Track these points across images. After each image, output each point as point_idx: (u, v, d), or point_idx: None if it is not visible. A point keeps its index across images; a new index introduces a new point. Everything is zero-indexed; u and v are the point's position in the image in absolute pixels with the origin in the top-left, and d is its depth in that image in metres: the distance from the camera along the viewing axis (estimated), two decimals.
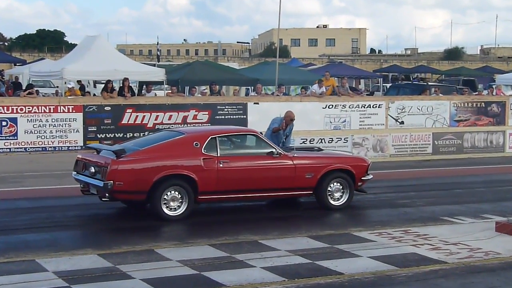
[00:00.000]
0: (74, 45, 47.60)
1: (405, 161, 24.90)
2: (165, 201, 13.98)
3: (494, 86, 39.41)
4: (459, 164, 24.66)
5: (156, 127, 23.88)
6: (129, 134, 23.56)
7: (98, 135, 23.38)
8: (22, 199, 16.37)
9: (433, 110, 28.04)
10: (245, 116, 24.97)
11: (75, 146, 22.99)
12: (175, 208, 14.08)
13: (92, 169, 14.19)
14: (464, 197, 17.71)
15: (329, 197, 15.65)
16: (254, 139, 15.62)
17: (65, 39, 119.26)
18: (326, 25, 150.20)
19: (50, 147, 22.72)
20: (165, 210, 13.98)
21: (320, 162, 15.85)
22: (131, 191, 13.96)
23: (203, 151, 14.42)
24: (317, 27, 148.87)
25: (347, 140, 23.33)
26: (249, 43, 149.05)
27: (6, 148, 22.06)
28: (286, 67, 44.70)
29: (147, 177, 13.85)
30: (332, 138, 22.92)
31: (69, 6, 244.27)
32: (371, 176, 16.39)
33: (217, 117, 24.66)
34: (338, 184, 15.77)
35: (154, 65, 42.43)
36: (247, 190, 14.99)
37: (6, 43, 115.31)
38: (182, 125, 24.22)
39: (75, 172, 15.03)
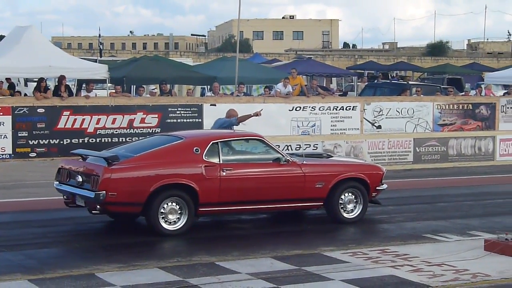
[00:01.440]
0: (1, 37, 47.13)
1: None
2: (163, 214, 14.07)
3: (483, 86, 39.99)
4: (443, 174, 24.87)
5: (97, 132, 23.83)
6: (66, 141, 23.51)
7: (29, 141, 23.32)
8: None
9: (414, 113, 28.37)
10: (200, 120, 25.05)
11: (2, 155, 22.84)
12: (173, 222, 14.19)
13: (79, 178, 14.23)
14: (449, 212, 17.81)
15: (341, 209, 15.84)
16: (259, 144, 15.71)
17: None
18: (293, 16, 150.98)
19: None
20: (163, 224, 14.09)
21: (332, 170, 16.04)
22: (126, 203, 14.03)
23: (204, 158, 14.57)
24: (283, 18, 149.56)
25: (316, 147, 23.36)
26: (205, 36, 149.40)
27: None
28: (248, 63, 44.77)
29: (143, 187, 13.92)
30: (299, 145, 22.92)
31: None
32: (386, 186, 16.60)
33: (168, 120, 24.70)
34: (351, 195, 15.97)
35: (95, 60, 42.40)
36: (253, 201, 15.16)
37: None
38: (128, 129, 24.17)
39: (57, 182, 15.04)
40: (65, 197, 14.93)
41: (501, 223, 15.92)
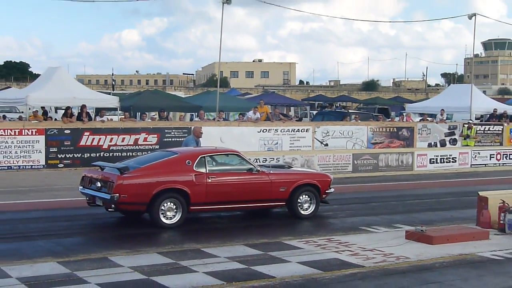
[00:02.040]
0: (37, 75, 47.01)
1: None
2: (163, 211, 14.15)
3: (404, 114, 40.28)
4: (375, 181, 24.88)
5: (110, 148, 23.76)
6: (86, 155, 23.45)
7: (58, 155, 23.23)
8: None
9: (353, 134, 28.47)
10: None
11: (37, 165, 22.76)
12: (171, 217, 14.24)
13: (98, 184, 14.33)
14: (378, 210, 17.82)
15: (299, 208, 15.88)
16: (236, 158, 15.70)
17: (29, 69, 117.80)
18: (261, 60, 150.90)
19: (15, 166, 22.49)
20: (163, 219, 14.17)
21: (292, 178, 16.06)
22: (134, 203, 14.10)
23: (194, 168, 14.64)
24: (253, 61, 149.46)
25: (278, 160, 23.37)
26: (193, 74, 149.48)
27: None
28: (226, 96, 44.89)
29: (147, 191, 14.01)
30: (266, 158, 22.94)
31: (34, 41, 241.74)
32: (333, 190, 16.60)
33: (165, 139, 24.63)
34: (307, 197, 16.02)
35: (109, 93, 42.36)
36: (231, 201, 15.22)
37: None
38: (134, 146, 24.14)
39: (82, 187, 15.08)
40: (87, 198, 14.91)
41: (418, 218, 16.01)
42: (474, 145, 31.01)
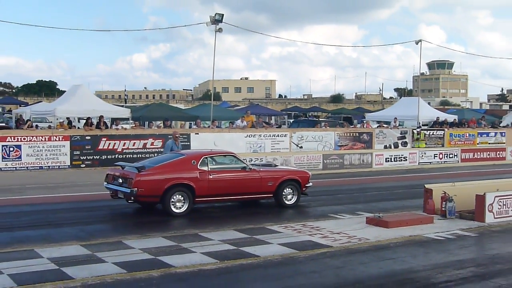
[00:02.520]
0: (63, 92, 46.78)
1: None
2: (173, 202, 14.26)
3: (364, 121, 40.38)
4: (341, 176, 24.91)
5: (123, 151, 23.72)
6: (104, 157, 23.39)
7: (81, 157, 23.15)
8: (24, 205, 15.94)
9: (323, 138, 28.50)
10: (188, 143, 24.90)
11: (63, 166, 22.71)
12: (179, 207, 14.36)
13: (120, 180, 14.49)
14: (344, 200, 17.84)
15: (284, 199, 15.97)
16: (232, 158, 15.76)
17: (57, 87, 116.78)
18: (247, 77, 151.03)
19: (45, 166, 22.39)
20: (173, 209, 14.28)
21: (277, 174, 16.15)
22: (149, 195, 14.23)
23: (198, 167, 14.73)
24: (241, 78, 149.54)
25: (262, 160, 23.40)
26: (191, 90, 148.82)
27: (13, 167, 21.94)
28: (218, 107, 44.85)
29: (160, 185, 14.15)
30: (251, 158, 22.93)
31: (60, 63, 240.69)
32: (311, 184, 16.68)
33: None
34: (290, 189, 16.13)
35: (122, 106, 42.16)
36: (229, 194, 15.29)
37: (13, 90, 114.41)
38: (143, 149, 24.09)
39: (106, 183, 15.21)
40: (111, 192, 15.00)
41: (376, 206, 16.04)
42: (424, 146, 31.29)
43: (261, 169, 16.04)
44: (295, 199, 16.15)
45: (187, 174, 14.56)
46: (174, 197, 14.28)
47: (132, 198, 14.11)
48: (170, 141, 17.96)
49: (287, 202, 16.00)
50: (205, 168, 14.81)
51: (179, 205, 14.32)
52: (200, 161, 14.85)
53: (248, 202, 16.13)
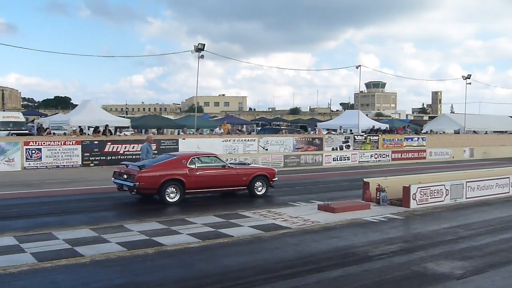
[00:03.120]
0: (76, 105, 46.09)
1: None
2: (167, 194, 14.20)
3: (316, 129, 40.61)
4: (298, 173, 25.04)
5: (125, 153, 23.45)
6: (109, 157, 23.08)
7: (90, 158, 22.83)
8: (43, 196, 15.65)
9: (284, 142, 28.57)
10: (177, 146, 24.72)
11: (76, 165, 22.38)
12: (173, 198, 14.30)
13: (125, 176, 14.41)
14: (301, 191, 17.91)
15: (255, 190, 16.00)
16: (214, 158, 15.70)
17: (71, 101, 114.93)
18: (224, 94, 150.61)
19: (61, 165, 22.02)
20: (168, 199, 14.24)
21: (250, 171, 16.18)
22: (149, 188, 14.15)
23: (188, 165, 14.70)
24: (219, 95, 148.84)
25: (236, 159, 23.32)
26: (180, 104, 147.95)
27: (34, 166, 21.47)
28: (201, 118, 44.78)
29: (157, 180, 14.12)
30: (227, 159, 22.81)
31: (74, 82, 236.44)
32: (277, 178, 16.79)
33: (161, 147, 24.29)
34: (260, 183, 16.15)
35: (124, 117, 41.61)
36: (212, 187, 15.27)
37: (35, 104, 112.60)
38: (141, 151, 23.79)
39: (113, 178, 15.10)
40: (117, 186, 14.88)
41: (326, 196, 16.03)
42: (369, 149, 31.68)
43: (237, 167, 16.01)
44: (264, 190, 16.17)
45: (179, 171, 14.47)
46: (169, 189, 14.22)
47: (135, 190, 14.03)
48: (145, 144, 17.44)
49: (258, 193, 16.01)
50: (193, 166, 14.76)
51: (172, 196, 14.27)
52: (189, 160, 14.82)
53: (227, 193, 16.06)
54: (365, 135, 32.96)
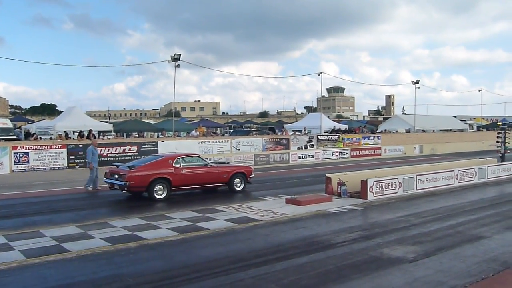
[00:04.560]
0: (61, 112, 45.05)
1: None
2: (155, 191, 14.06)
3: (283, 130, 40.67)
4: (267, 170, 25.08)
5: (107, 155, 23.04)
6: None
7: (75, 160, 22.35)
8: (32, 197, 15.23)
9: (254, 143, 28.58)
10: (157, 148, 24.45)
11: (62, 167, 21.89)
12: (160, 194, 14.15)
13: (116, 176, 14.23)
14: (270, 187, 17.91)
15: (234, 186, 15.96)
16: (197, 158, 15.63)
17: (57, 108, 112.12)
18: (199, 100, 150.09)
19: (48, 167, 21.51)
20: (156, 196, 14.08)
21: (230, 169, 16.14)
22: (138, 186, 14.02)
23: (173, 165, 14.61)
24: (195, 101, 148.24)
25: (211, 159, 23.17)
26: (159, 109, 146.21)
27: (22, 169, 20.96)
28: (179, 122, 44.28)
29: (146, 179, 14.00)
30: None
31: (59, 90, 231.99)
32: (253, 175, 16.81)
33: (142, 149, 24.01)
34: (239, 180, 16.14)
35: (106, 122, 40.87)
36: (196, 184, 15.13)
37: (22, 111, 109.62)
38: (122, 154, 23.44)
39: (105, 178, 14.88)
40: (108, 185, 14.70)
41: (292, 190, 16.13)
42: (342, 146, 32.03)
43: (218, 166, 16.01)
44: (242, 186, 16.22)
45: (165, 170, 14.39)
46: (157, 187, 14.13)
47: (125, 188, 13.88)
48: (91, 147, 17.04)
49: (237, 189, 16.04)
50: (179, 166, 14.69)
51: (160, 192, 14.18)
52: (175, 160, 14.74)
53: (205, 190, 15.92)
54: (338, 135, 33.36)
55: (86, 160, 17.02)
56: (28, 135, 28.19)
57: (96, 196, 15.11)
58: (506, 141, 23.78)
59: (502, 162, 21.81)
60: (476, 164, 19.60)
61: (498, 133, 24.32)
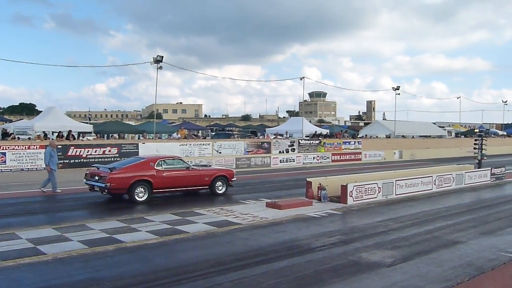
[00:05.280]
0: (40, 112, 44.27)
1: None
2: (136, 193, 13.92)
3: (265, 134, 40.79)
4: (248, 173, 25.05)
5: (87, 157, 22.72)
6: (72, 161, 22.29)
7: None
8: (8, 198, 14.92)
9: (236, 146, 28.54)
10: (137, 150, 24.20)
11: (40, 168, 21.43)
12: (141, 197, 14.04)
13: (97, 178, 14.04)
14: (251, 190, 17.87)
15: (216, 189, 15.90)
16: (179, 160, 15.52)
17: (36, 108, 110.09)
18: (181, 102, 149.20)
19: (26, 168, 21.08)
20: (137, 198, 13.97)
21: (212, 172, 16.06)
22: (119, 188, 13.83)
23: (155, 167, 14.48)
24: (177, 103, 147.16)
25: (192, 162, 23.05)
26: (140, 111, 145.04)
27: None
28: (160, 124, 43.97)
29: (127, 181, 13.83)
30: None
31: (39, 90, 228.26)
32: (235, 178, 16.75)
33: (122, 151, 23.75)
34: (220, 183, 16.09)
35: (87, 123, 40.36)
36: (177, 186, 15.03)
37: (0, 110, 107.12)
38: (102, 155, 23.15)
39: (85, 180, 14.66)
40: (89, 187, 14.52)
41: (273, 194, 16.19)
42: (324, 151, 32.21)
43: (200, 168, 15.91)
44: (224, 189, 16.17)
45: (147, 172, 14.26)
46: (138, 189, 13.99)
47: (106, 190, 13.70)
48: (48, 148, 16.62)
49: (218, 192, 15.98)
50: (160, 168, 14.57)
51: (141, 195, 14.06)
52: (156, 163, 14.61)
53: (191, 192, 15.83)
54: (320, 139, 33.58)
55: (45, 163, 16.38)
56: (5, 135, 27.60)
57: (74, 199, 14.88)
58: (483, 148, 24.27)
59: (479, 168, 22.23)
60: (454, 170, 19.93)
61: (476, 140, 24.80)
